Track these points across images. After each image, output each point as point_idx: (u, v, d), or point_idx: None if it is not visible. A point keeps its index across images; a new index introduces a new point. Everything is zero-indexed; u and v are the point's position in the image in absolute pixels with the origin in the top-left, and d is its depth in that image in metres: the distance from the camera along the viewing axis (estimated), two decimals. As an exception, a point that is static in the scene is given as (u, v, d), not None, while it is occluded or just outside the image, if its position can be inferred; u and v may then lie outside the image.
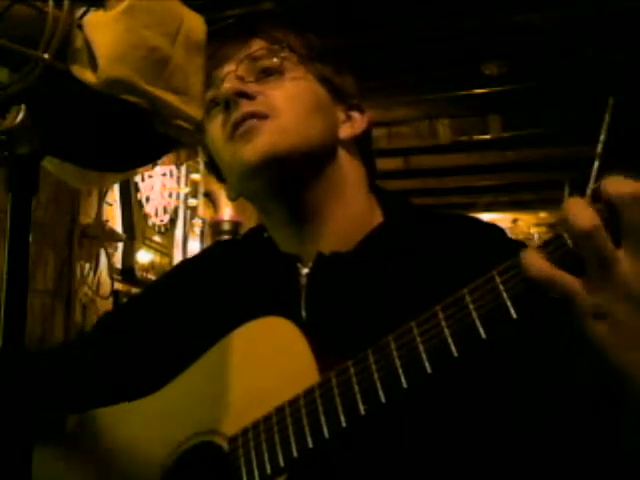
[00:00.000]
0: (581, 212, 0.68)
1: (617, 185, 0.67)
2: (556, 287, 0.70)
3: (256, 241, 1.12)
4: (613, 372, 0.70)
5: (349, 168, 1.08)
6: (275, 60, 1.06)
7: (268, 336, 0.95)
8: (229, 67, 1.06)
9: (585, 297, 0.69)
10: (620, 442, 0.77)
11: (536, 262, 0.70)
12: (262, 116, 1.01)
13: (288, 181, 1.03)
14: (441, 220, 1.05)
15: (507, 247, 0.95)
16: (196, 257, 1.28)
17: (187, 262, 1.31)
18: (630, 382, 0.70)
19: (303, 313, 1.00)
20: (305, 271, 1.03)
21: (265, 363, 0.94)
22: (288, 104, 1.03)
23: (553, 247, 0.71)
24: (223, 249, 1.20)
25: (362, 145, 1.11)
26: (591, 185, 0.70)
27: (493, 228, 1.04)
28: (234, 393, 0.95)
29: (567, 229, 0.69)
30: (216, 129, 1.06)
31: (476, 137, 5.22)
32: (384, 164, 5.45)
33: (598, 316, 0.69)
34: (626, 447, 0.76)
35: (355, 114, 1.11)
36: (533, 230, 7.32)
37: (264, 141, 1.00)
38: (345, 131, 1.08)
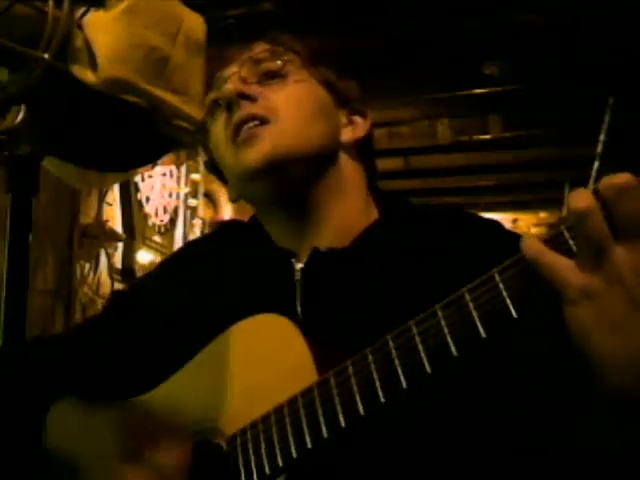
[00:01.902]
0: (579, 195, 0.69)
1: (608, 178, 0.68)
2: (548, 268, 0.70)
3: (255, 232, 1.12)
4: (589, 361, 0.70)
5: (349, 170, 1.08)
6: (278, 63, 1.06)
7: (265, 334, 0.95)
8: (232, 69, 1.06)
9: (574, 277, 0.69)
10: (591, 438, 0.77)
11: (532, 243, 0.71)
12: (263, 119, 1.02)
13: (289, 184, 1.03)
14: (438, 216, 1.06)
15: (505, 241, 0.95)
16: (200, 242, 1.28)
17: (191, 248, 1.28)
18: (605, 370, 0.70)
19: (298, 308, 1.00)
20: (299, 266, 1.04)
21: (263, 361, 0.94)
22: (290, 107, 1.03)
23: (554, 243, 0.71)
24: (226, 235, 1.18)
25: (363, 148, 1.11)
26: (591, 185, 0.70)
27: (492, 222, 1.04)
28: (231, 391, 0.95)
29: (567, 214, 0.70)
30: (218, 130, 1.07)
31: (476, 137, 5.22)
32: (384, 164, 5.43)
33: (585, 297, 0.69)
34: (600, 441, 0.77)
35: (357, 118, 1.11)
36: (533, 230, 7.32)
37: (266, 146, 1.00)
38: (346, 135, 1.09)
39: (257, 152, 1.00)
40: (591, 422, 0.77)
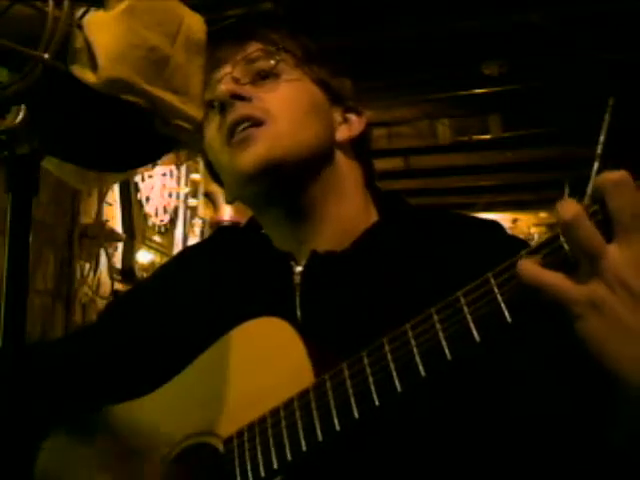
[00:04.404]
0: (564, 206, 0.68)
1: (603, 175, 0.68)
2: (548, 289, 0.69)
3: (253, 235, 1.12)
4: (607, 371, 0.69)
5: (345, 169, 1.08)
6: (271, 62, 1.06)
7: (264, 336, 0.95)
8: (225, 69, 1.06)
9: (577, 291, 0.68)
10: (609, 438, 0.76)
11: (529, 268, 0.70)
12: (258, 120, 1.01)
13: (285, 185, 1.03)
14: (437, 218, 1.05)
15: (505, 245, 0.95)
16: (198, 247, 1.28)
17: (189, 253, 1.28)
18: (624, 379, 0.69)
19: (298, 312, 1.00)
20: (299, 269, 1.03)
21: (261, 364, 0.94)
22: (283, 107, 1.03)
23: (549, 249, 0.70)
24: (224, 239, 1.19)
25: (359, 146, 1.11)
26: (591, 185, 0.70)
27: (492, 225, 1.04)
28: (230, 394, 0.95)
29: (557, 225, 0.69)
30: (212, 132, 1.06)
31: (476, 137, 5.23)
32: (384, 164, 5.46)
33: (592, 308, 0.68)
34: (617, 443, 0.76)
35: (352, 116, 1.11)
36: (533, 230, 7.33)
37: (260, 148, 1.00)
38: (342, 133, 1.08)
39: (252, 155, 1.00)
40: (606, 420, 0.76)
